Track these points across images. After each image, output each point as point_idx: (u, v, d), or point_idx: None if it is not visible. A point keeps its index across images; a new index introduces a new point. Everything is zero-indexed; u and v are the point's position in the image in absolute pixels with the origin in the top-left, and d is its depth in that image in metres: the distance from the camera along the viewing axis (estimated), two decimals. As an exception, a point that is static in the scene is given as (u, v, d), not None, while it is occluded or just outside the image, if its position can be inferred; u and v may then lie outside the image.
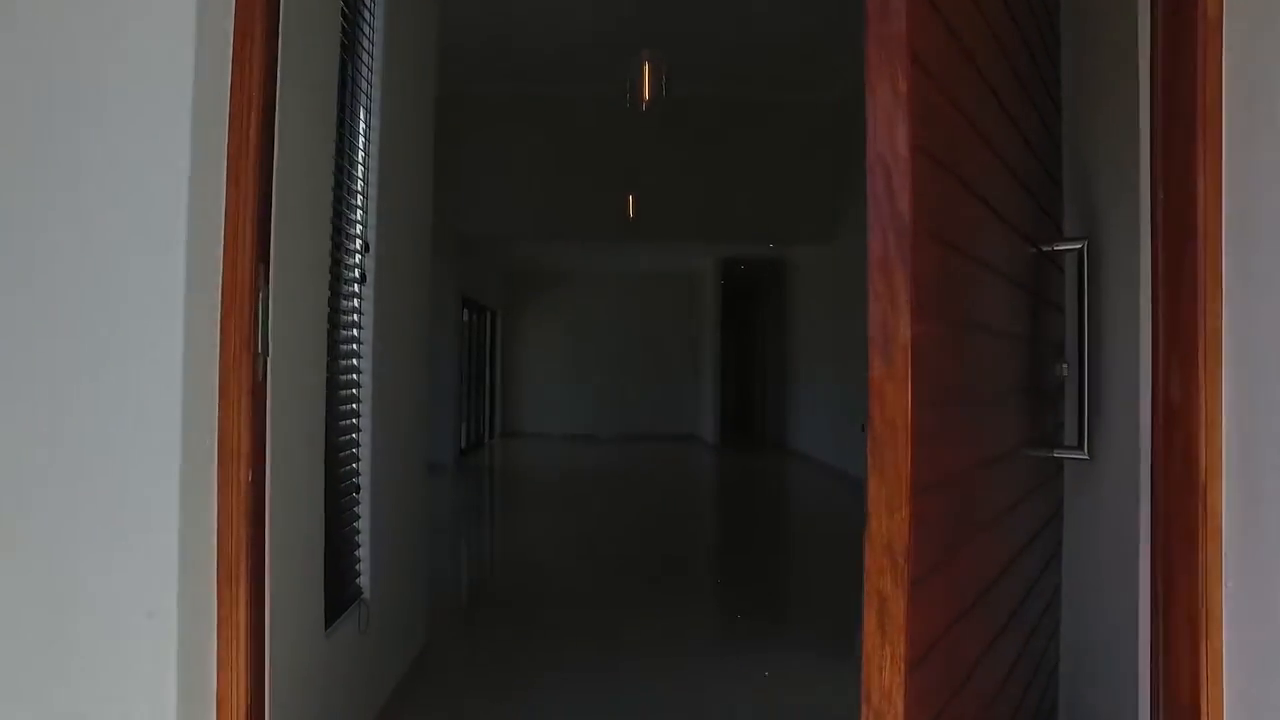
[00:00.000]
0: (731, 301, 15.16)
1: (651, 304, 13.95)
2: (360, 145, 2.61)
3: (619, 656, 3.49)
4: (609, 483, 9.24)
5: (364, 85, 2.62)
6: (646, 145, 9.66)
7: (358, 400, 2.60)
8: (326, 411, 2.31)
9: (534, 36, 8.17)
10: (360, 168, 2.61)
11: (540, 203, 9.68)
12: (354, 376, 2.59)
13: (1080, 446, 1.81)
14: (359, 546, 2.59)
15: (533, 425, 13.91)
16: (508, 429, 13.84)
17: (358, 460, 2.58)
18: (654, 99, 4.52)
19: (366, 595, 2.61)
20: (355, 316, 2.60)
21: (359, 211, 2.61)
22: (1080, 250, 1.82)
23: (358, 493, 2.57)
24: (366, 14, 2.60)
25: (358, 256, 2.61)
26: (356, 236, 2.60)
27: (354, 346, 2.59)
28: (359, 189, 2.61)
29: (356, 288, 2.61)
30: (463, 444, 11.15)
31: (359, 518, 2.58)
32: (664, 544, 5.99)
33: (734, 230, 9.83)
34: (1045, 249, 1.91)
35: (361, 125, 2.61)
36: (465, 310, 11.25)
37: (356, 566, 2.58)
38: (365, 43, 2.60)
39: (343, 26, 2.30)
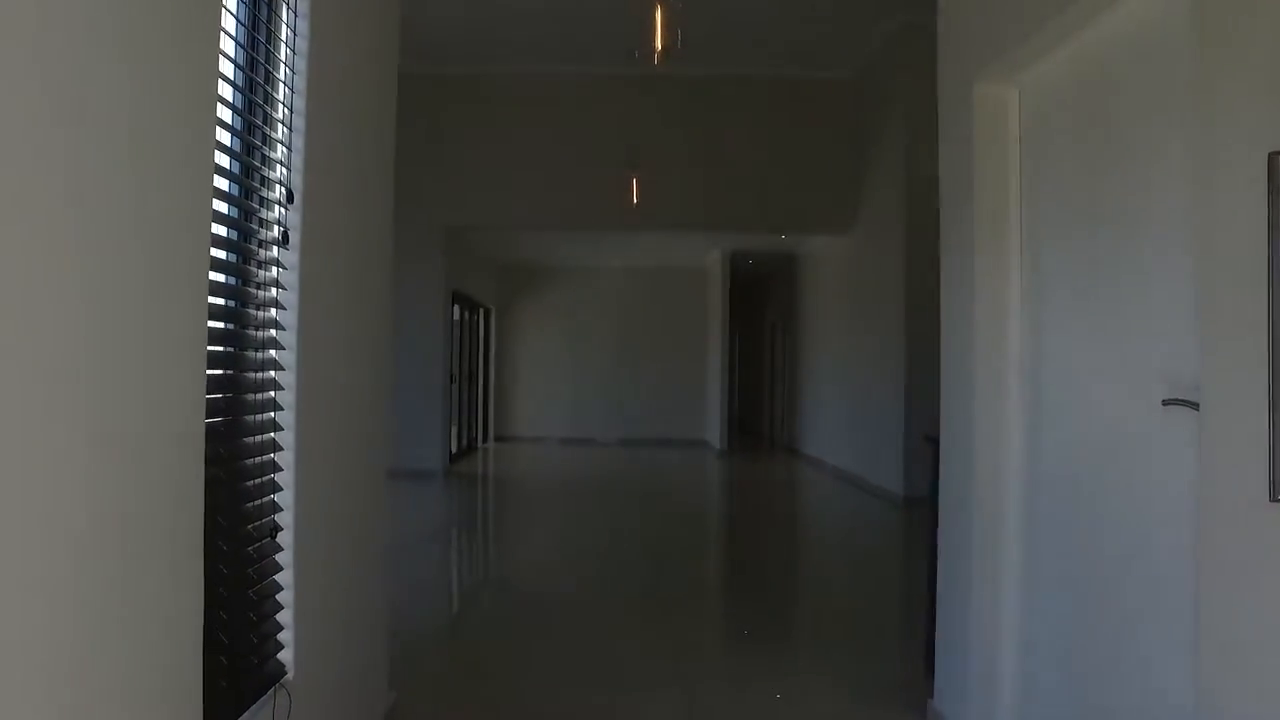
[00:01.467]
0: (740, 297, 14.48)
1: (655, 300, 13.23)
2: (282, 87, 1.92)
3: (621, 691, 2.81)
4: (610, 493, 8.53)
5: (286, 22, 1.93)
6: (648, 127, 8.96)
7: (278, 408, 1.89)
8: (228, 428, 1.61)
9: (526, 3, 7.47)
10: (281, 107, 1.91)
11: (533, 191, 8.97)
12: (271, 377, 1.89)
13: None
14: (279, 610, 1.88)
15: (529, 429, 13.19)
16: (502, 433, 13.12)
17: (277, 490, 1.88)
18: (669, 49, 3.80)
19: (291, 674, 1.90)
20: (274, 292, 1.90)
21: (280, 149, 1.91)
22: None
23: (276, 534, 1.87)
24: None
25: (279, 209, 1.90)
26: (277, 182, 1.90)
27: (271, 333, 1.89)
28: (279, 136, 1.91)
29: (276, 252, 1.90)
30: (453, 450, 10.44)
31: (279, 569, 1.88)
32: (673, 566, 5.29)
33: (743, 220, 9.13)
34: None
35: (283, 69, 1.92)
36: (456, 307, 10.54)
37: (277, 637, 1.88)
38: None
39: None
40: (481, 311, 12.42)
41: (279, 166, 1.90)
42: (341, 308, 2.20)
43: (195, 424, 1.42)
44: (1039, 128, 2.38)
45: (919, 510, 7.35)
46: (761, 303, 14.90)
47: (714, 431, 11.88)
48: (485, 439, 12.68)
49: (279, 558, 1.88)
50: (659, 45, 3.78)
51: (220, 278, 1.74)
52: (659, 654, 3.49)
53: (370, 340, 2.48)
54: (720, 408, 11.59)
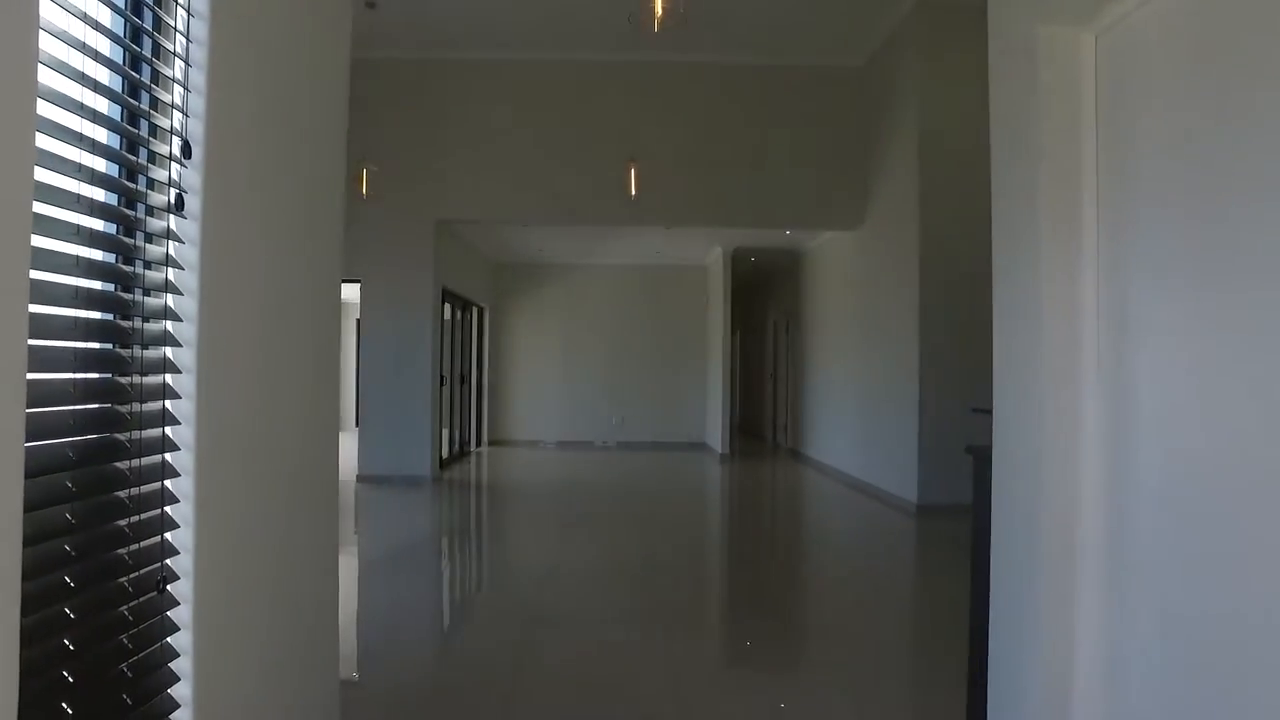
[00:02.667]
0: (741, 295, 14.07)
1: (655, 299, 12.80)
2: (176, 7, 1.49)
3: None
4: (609, 501, 8.10)
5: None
6: (648, 117, 8.55)
7: (171, 421, 1.47)
8: (89, 452, 1.18)
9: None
10: (177, 35, 1.48)
11: (528, 184, 8.55)
12: (164, 382, 1.46)
13: None
14: (173, 682, 1.45)
15: (524, 432, 12.75)
16: (497, 437, 12.68)
17: (169, 527, 1.45)
18: (669, 12, 3.38)
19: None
20: (169, 273, 1.47)
21: (175, 89, 1.48)
22: None
23: (163, 588, 1.44)
24: None
25: (174, 167, 1.47)
26: (171, 132, 1.47)
27: (164, 326, 1.46)
28: (174, 72, 1.49)
29: (172, 222, 1.48)
30: (445, 454, 10.01)
31: (173, 629, 1.45)
32: (679, 582, 4.87)
33: (746, 214, 8.70)
34: None
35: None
36: (447, 305, 10.12)
37: None
38: None
39: None
40: (474, 310, 11.99)
41: (173, 112, 1.48)
42: (264, 293, 1.77)
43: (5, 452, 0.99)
44: (1126, 73, 1.95)
45: (935, 520, 6.97)
46: (764, 301, 14.48)
47: (715, 435, 11.46)
48: (478, 443, 12.26)
49: (174, 615, 1.46)
50: (658, 9, 3.36)
51: (96, 254, 1.32)
52: (662, 682, 3.07)
53: (311, 333, 2.04)
54: (722, 410, 11.17)
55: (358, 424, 8.71)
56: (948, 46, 7.19)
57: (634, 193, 6.99)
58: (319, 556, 2.13)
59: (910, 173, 7.31)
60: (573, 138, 8.53)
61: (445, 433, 10.28)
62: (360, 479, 8.53)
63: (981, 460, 2.93)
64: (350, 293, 8.74)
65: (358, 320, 8.73)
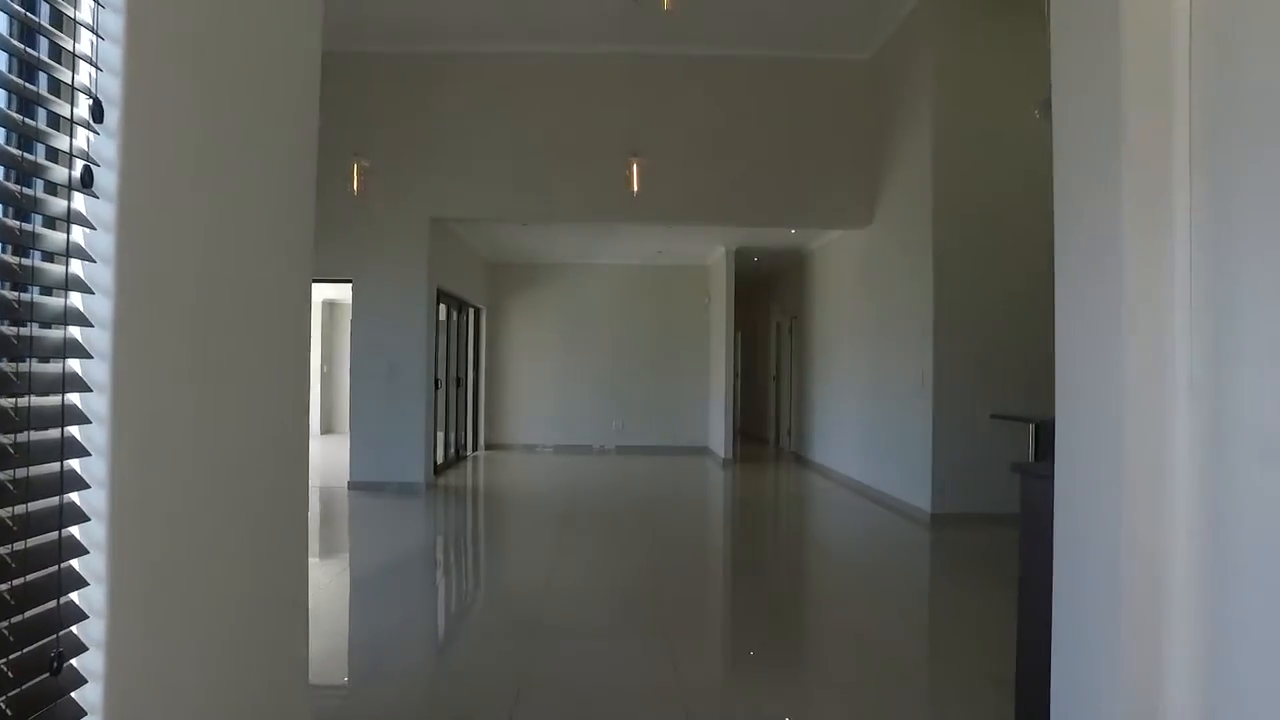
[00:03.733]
0: (743, 296, 13.80)
1: (656, 300, 12.50)
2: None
3: None
4: (610, 508, 7.80)
5: None
6: (650, 112, 8.25)
7: (80, 453, 1.17)
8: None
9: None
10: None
11: (525, 180, 8.25)
12: (65, 404, 1.16)
13: None
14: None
15: (522, 436, 12.44)
16: (494, 440, 12.37)
17: (77, 585, 1.15)
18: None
19: None
20: (74, 266, 1.17)
21: (85, 35, 1.18)
22: None
23: (61, 667, 1.13)
24: None
25: (83, 135, 1.18)
26: (76, 91, 1.17)
27: (70, 333, 1.16)
28: (81, 14, 1.19)
29: (78, 203, 1.18)
30: (439, 459, 9.71)
31: (77, 716, 1.15)
32: (690, 597, 4.58)
33: (751, 213, 8.40)
34: None
35: None
36: (443, 306, 9.82)
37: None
38: None
39: None
40: (471, 311, 11.69)
41: (80, 64, 1.18)
42: (207, 291, 1.47)
43: None
44: (1230, 27, 1.64)
45: (950, 530, 6.67)
46: (766, 301, 14.19)
47: (718, 439, 11.16)
48: (475, 447, 11.95)
49: (81, 697, 1.16)
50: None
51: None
52: (672, 708, 2.77)
53: (268, 337, 1.74)
54: (725, 413, 10.87)
55: (350, 429, 8.40)
56: (963, 33, 6.90)
57: (635, 189, 6.69)
58: (283, 615, 1.82)
59: (923, 168, 7.02)
60: (573, 133, 8.24)
61: (441, 436, 9.99)
62: (353, 486, 8.22)
63: (1031, 477, 2.65)
64: (343, 293, 8.44)
65: (351, 322, 8.42)
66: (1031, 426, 5.57)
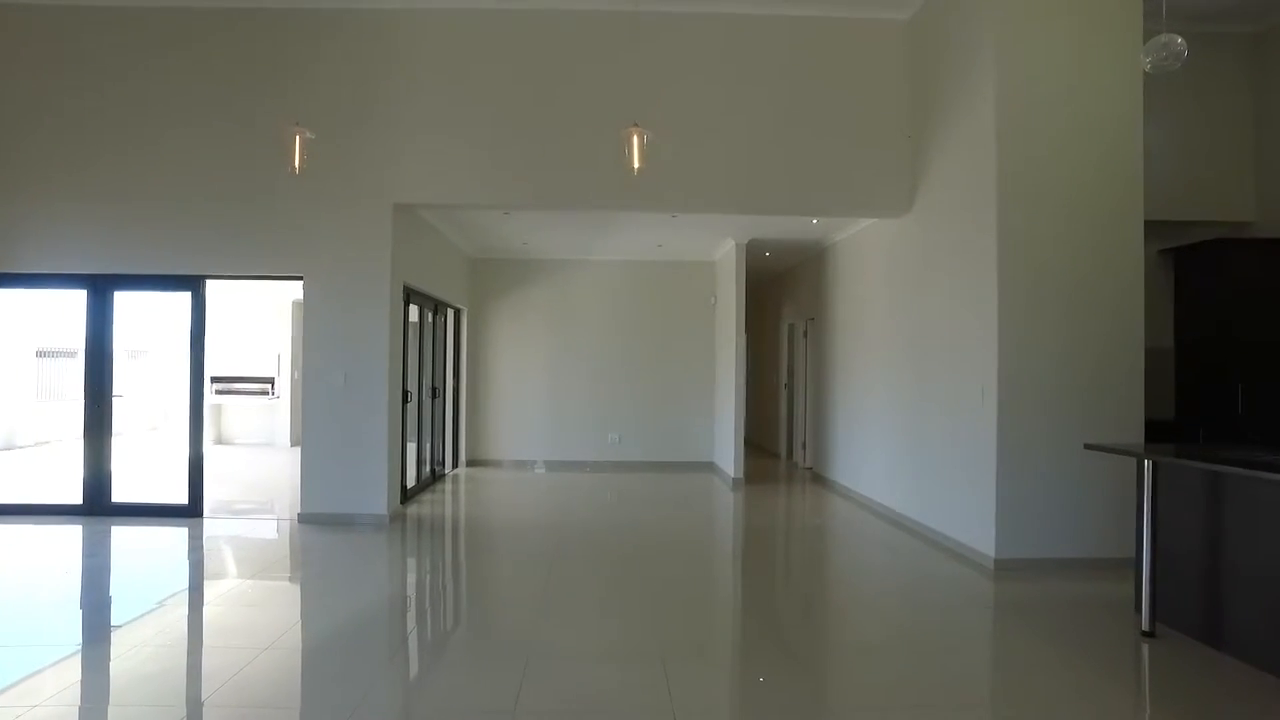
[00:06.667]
0: (750, 295, 12.64)
1: (656, 300, 11.28)
2: None
3: None
4: (608, 549, 6.58)
5: None
6: (651, 81, 7.05)
7: None
8: None
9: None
10: None
11: (505, 161, 7.04)
12: None
13: None
14: None
15: (508, 451, 11.20)
16: (476, 456, 11.14)
17: None
18: None
19: None
20: None
21: None
22: None
23: None
24: None
25: None
26: None
27: None
28: None
29: None
30: (410, 482, 8.49)
31: None
32: (709, 677, 3.40)
33: (768, 199, 7.19)
34: None
35: None
36: (416, 307, 8.61)
37: None
38: None
39: None
40: (449, 313, 10.47)
41: None
42: None
43: None
44: None
45: (1022, 582, 5.35)
46: (777, 301, 12.99)
47: (726, 455, 9.96)
48: (454, 464, 10.73)
49: None
50: None
51: None
52: None
53: None
54: (734, 427, 9.67)
55: (300, 450, 7.17)
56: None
57: (637, 164, 5.49)
58: None
59: (985, 144, 5.82)
60: (561, 106, 7.03)
61: (414, 453, 8.78)
62: (303, 519, 7.01)
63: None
64: (294, 292, 7.22)
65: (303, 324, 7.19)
66: (1148, 463, 4.38)
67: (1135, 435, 5.64)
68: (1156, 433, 6.12)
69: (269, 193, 6.96)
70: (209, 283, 7.26)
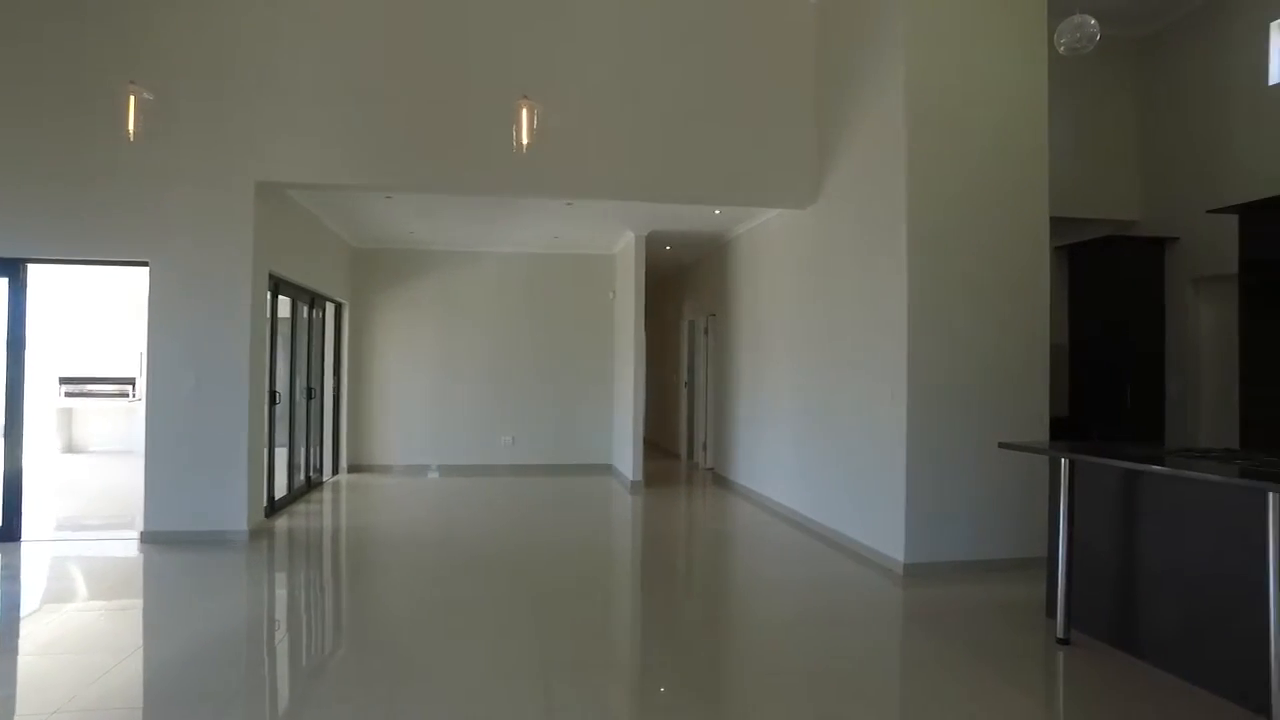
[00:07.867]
0: (653, 291, 12.32)
1: (554, 294, 10.77)
2: None
3: None
4: (501, 561, 6.06)
5: None
6: (545, 55, 6.57)
7: None
8: None
9: None
10: None
11: (382, 139, 6.41)
12: None
13: None
14: None
15: (394, 456, 10.45)
16: (359, 461, 10.35)
17: None
18: None
19: None
20: None
21: None
22: None
23: None
24: None
25: None
26: None
27: None
28: None
29: None
30: (280, 491, 7.72)
31: None
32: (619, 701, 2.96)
33: (667, 186, 6.84)
34: None
35: None
36: (288, 299, 7.83)
37: None
38: None
39: None
40: (330, 307, 9.67)
41: None
42: None
43: None
44: None
45: (931, 586, 5.12)
46: (677, 296, 12.71)
47: (625, 457, 9.56)
48: (335, 471, 9.93)
49: None
50: None
51: None
52: None
53: None
54: (633, 427, 9.28)
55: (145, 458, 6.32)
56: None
57: (525, 140, 5.00)
58: None
59: (894, 133, 5.61)
60: (451, 82, 6.46)
61: (285, 460, 8.00)
62: (146, 538, 6.18)
63: None
64: (138, 279, 6.37)
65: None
66: (1065, 462, 4.21)
67: (1041, 433, 5.54)
68: (1054, 430, 6.07)
69: (109, 169, 6.09)
70: (35, 268, 6.33)
